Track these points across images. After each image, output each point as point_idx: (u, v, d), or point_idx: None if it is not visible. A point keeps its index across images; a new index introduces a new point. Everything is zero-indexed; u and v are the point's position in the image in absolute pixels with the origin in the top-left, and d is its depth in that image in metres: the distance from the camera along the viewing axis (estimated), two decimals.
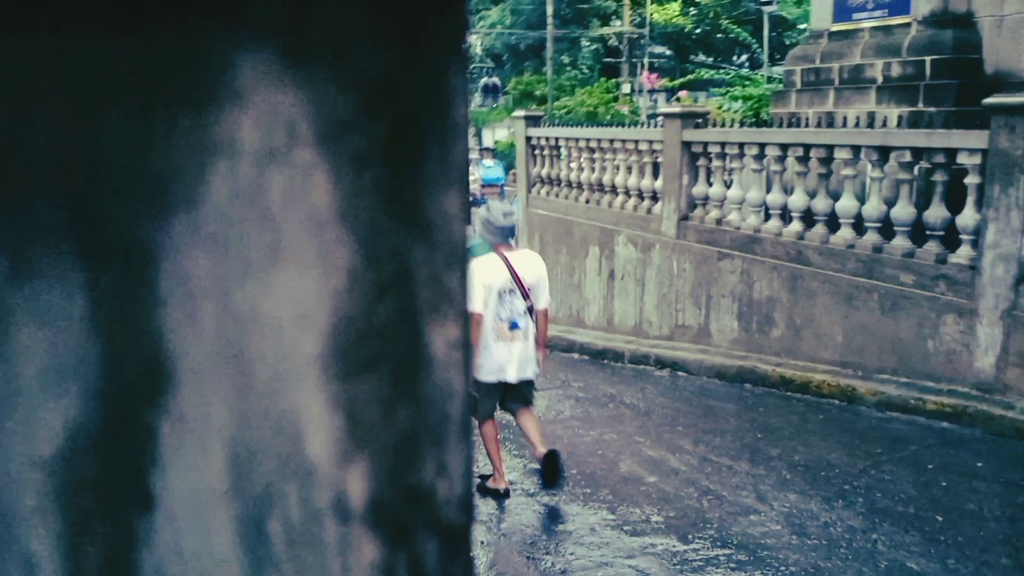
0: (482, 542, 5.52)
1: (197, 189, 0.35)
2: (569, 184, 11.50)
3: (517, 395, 5.68)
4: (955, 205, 6.78)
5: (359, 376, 0.38)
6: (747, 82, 13.73)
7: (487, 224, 5.43)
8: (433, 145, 0.39)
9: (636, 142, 9.94)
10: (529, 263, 5.57)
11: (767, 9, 24.48)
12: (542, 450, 5.63)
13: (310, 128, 0.36)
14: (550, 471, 5.67)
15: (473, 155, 32.64)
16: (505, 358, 5.45)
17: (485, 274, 5.31)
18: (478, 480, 5.84)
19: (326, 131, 0.37)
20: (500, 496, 5.84)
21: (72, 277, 0.35)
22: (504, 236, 5.46)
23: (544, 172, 12.02)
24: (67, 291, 0.35)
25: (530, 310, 5.49)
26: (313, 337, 0.38)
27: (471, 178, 26.41)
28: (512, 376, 5.51)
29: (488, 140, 40.79)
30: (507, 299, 5.39)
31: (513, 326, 5.42)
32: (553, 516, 5.78)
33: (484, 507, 5.98)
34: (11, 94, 0.33)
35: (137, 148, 0.34)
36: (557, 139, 11.77)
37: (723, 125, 9.11)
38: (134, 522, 0.37)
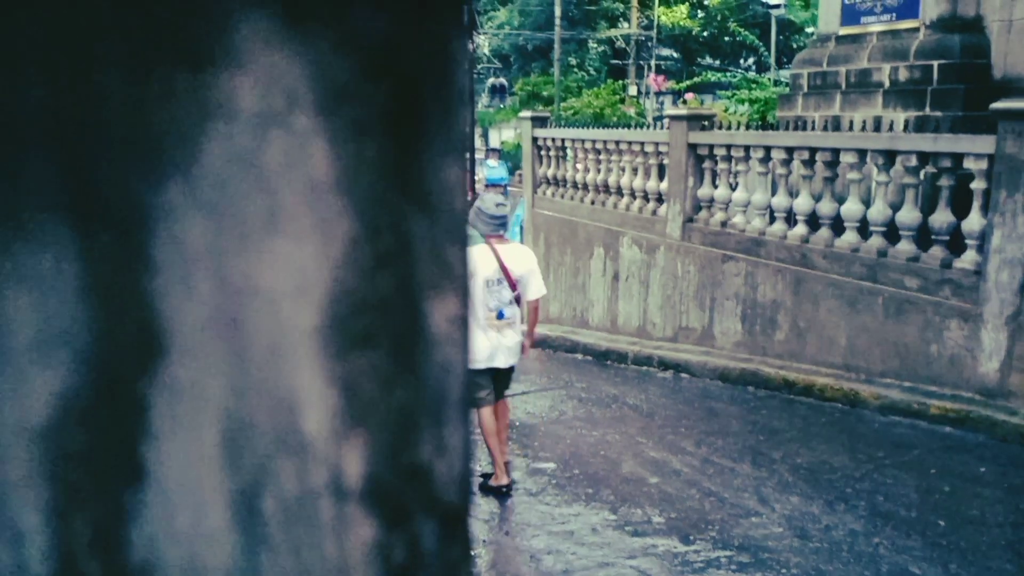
0: (484, 541, 5.51)
1: (193, 153, 0.34)
2: (575, 185, 11.49)
3: (502, 383, 5.84)
4: (961, 210, 6.76)
5: (357, 351, 0.37)
6: (754, 85, 13.71)
7: (479, 214, 5.54)
8: (435, 113, 0.38)
9: (642, 144, 9.92)
10: (518, 255, 5.72)
11: (775, 12, 24.49)
12: (504, 467, 5.86)
13: (309, 93, 0.35)
14: (503, 487, 5.86)
15: (478, 155, 32.72)
16: (493, 346, 5.59)
17: (474, 264, 5.21)
18: (480, 479, 5.96)
19: (326, 96, 0.36)
20: (502, 494, 5.89)
21: (64, 242, 0.34)
22: (495, 226, 5.55)
23: (550, 173, 12.02)
24: (58, 256, 0.34)
25: (518, 300, 5.65)
26: (310, 309, 0.37)
27: (475, 178, 26.58)
28: (500, 363, 5.67)
29: (495, 141, 40.83)
30: (495, 289, 5.55)
31: (500, 315, 5.58)
32: (555, 516, 5.77)
33: (487, 505, 5.98)
34: (2, 52, 0.32)
35: (132, 109, 0.33)
36: (563, 140, 11.76)
37: (729, 128, 9.10)
38: (124, 496, 0.36)
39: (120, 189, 0.34)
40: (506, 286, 5.57)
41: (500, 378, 5.79)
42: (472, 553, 0.43)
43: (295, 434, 0.37)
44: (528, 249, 6.23)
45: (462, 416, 0.41)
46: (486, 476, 5.97)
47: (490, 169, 27.32)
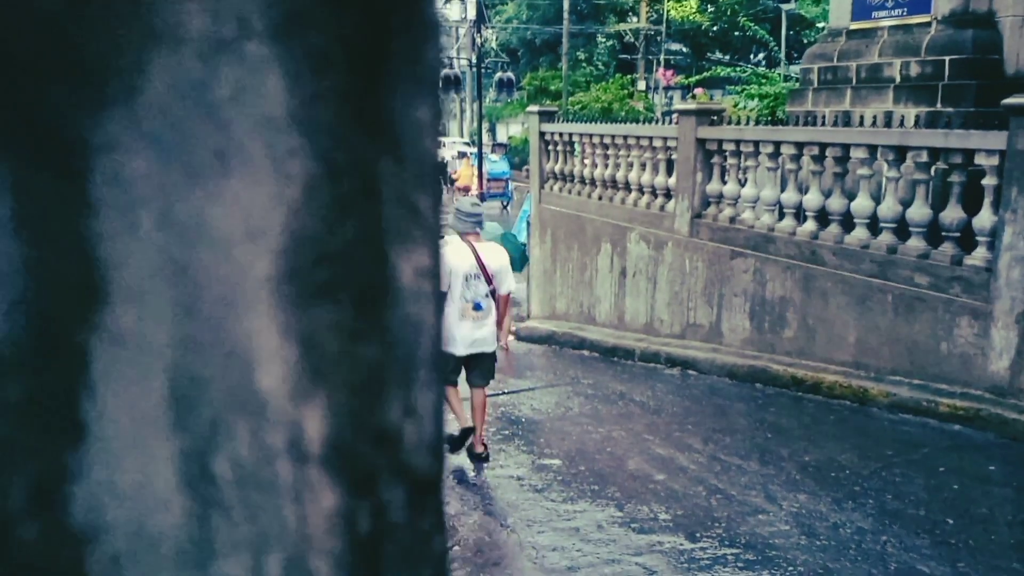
0: (487, 538, 5.49)
1: (137, 83, 0.32)
2: (582, 180, 11.44)
3: (482, 369, 6.24)
4: (972, 206, 6.71)
5: (317, 303, 0.35)
6: (763, 80, 13.62)
7: (457, 213, 6.10)
8: (403, 46, 0.35)
9: (650, 139, 9.88)
10: (493, 253, 6.23)
11: (785, 7, 24.37)
12: (466, 425, 6.29)
13: (263, 18, 0.32)
14: (458, 441, 6.31)
15: (485, 150, 32.78)
16: (468, 334, 6.04)
17: (452, 258, 5.92)
18: (455, 436, 6.38)
19: (281, 23, 0.33)
20: (463, 435, 6.31)
21: None
22: (472, 224, 6.09)
23: (557, 168, 11.97)
24: None
25: (492, 294, 6.11)
26: (266, 256, 0.34)
27: (483, 171, 27.02)
28: (475, 349, 6.11)
29: (503, 135, 40.83)
30: (472, 283, 6.00)
31: (477, 307, 6.03)
32: (560, 512, 5.74)
33: (493, 502, 5.96)
34: None
35: (70, 33, 0.31)
36: (571, 135, 11.72)
37: (738, 123, 9.05)
38: (63, 453, 0.33)
39: (57, 121, 0.31)
40: (483, 280, 6.04)
41: (479, 364, 6.20)
42: (445, 523, 0.40)
43: (250, 392, 0.34)
44: (500, 247, 6.71)
45: (433, 377, 0.38)
46: (461, 434, 6.37)
47: (491, 163, 27.58)
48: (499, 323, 6.32)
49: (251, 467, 0.35)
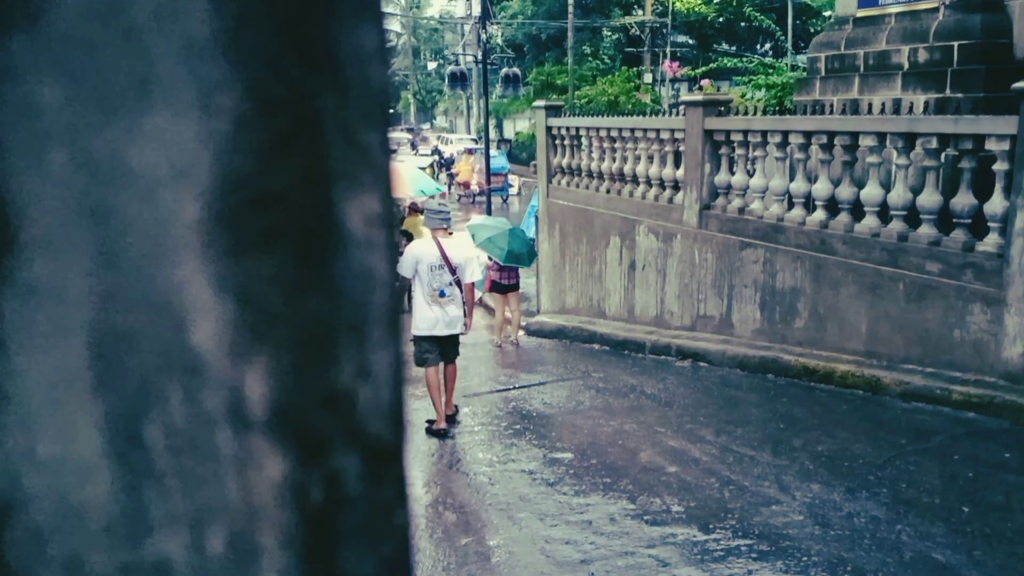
0: (499, 531, 5.47)
1: (44, 3, 0.29)
2: (590, 174, 11.40)
3: (449, 349, 7.19)
4: (983, 192, 6.64)
5: (255, 252, 0.31)
6: (770, 70, 13.53)
7: (427, 211, 7.24)
8: None
9: (658, 131, 9.82)
10: (458, 246, 7.12)
11: None
12: (443, 415, 7.12)
13: None
14: (437, 432, 7.08)
15: (473, 140, 33.04)
16: (436, 318, 6.95)
17: (420, 251, 6.94)
18: (426, 424, 7.20)
19: None
20: (442, 436, 7.08)
21: None
22: (439, 221, 7.00)
23: (564, 162, 11.93)
24: None
25: (458, 283, 6.97)
26: (195, 199, 0.31)
27: (477, 168, 27.63)
28: (442, 332, 7.02)
29: (509, 131, 40.81)
30: (437, 272, 6.89)
31: (441, 294, 6.92)
32: (572, 506, 5.72)
33: (505, 496, 5.94)
34: None
35: None
36: (578, 129, 11.67)
37: (746, 113, 8.98)
38: None
39: None
40: (447, 271, 6.91)
41: (447, 344, 7.16)
42: (408, 494, 0.37)
43: (182, 349, 0.31)
44: (468, 242, 7.86)
45: (390, 336, 0.35)
46: (431, 422, 7.15)
47: (491, 158, 28.01)
48: (467, 309, 7.21)
49: (186, 433, 0.32)
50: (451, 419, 7.27)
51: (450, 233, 7.19)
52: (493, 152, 28.62)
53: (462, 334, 7.31)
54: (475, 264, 7.27)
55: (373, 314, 0.34)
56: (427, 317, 6.91)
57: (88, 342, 0.31)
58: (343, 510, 0.35)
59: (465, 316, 7.19)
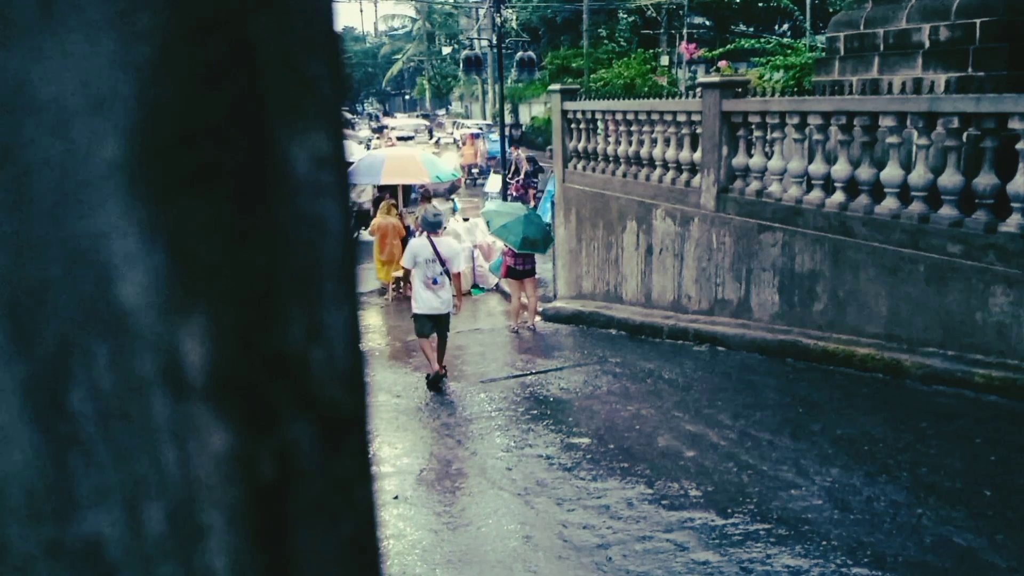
0: (516, 515, 5.45)
1: None
2: (606, 158, 11.32)
3: (442, 325, 8.76)
4: (1006, 172, 6.52)
5: (185, 194, 0.28)
6: (789, 51, 13.35)
7: (423, 219, 9.07)
8: None
9: (674, 114, 9.73)
10: (446, 244, 8.82)
11: None
12: (436, 367, 8.61)
13: None
14: (432, 383, 8.57)
15: (480, 127, 33.25)
16: (431, 300, 8.56)
17: (417, 247, 8.68)
18: (426, 378, 8.65)
19: None
20: (438, 384, 8.54)
21: None
22: (433, 226, 8.75)
23: (580, 146, 11.85)
24: None
25: (447, 273, 8.60)
26: (114, 134, 0.27)
27: (481, 149, 28.39)
28: (438, 311, 8.62)
29: (525, 116, 40.64)
30: (429, 264, 8.54)
31: (434, 281, 8.54)
32: (590, 490, 5.69)
33: (522, 480, 5.93)
34: None
35: None
36: (593, 112, 11.58)
37: (763, 94, 8.88)
38: None
39: None
40: (437, 263, 8.56)
41: (441, 321, 8.74)
42: (371, 466, 0.33)
43: (107, 306, 0.28)
44: (455, 241, 9.86)
45: (344, 291, 0.32)
46: (428, 376, 8.59)
47: (492, 143, 28.73)
48: (456, 293, 8.95)
49: (115, 398, 0.29)
50: (441, 376, 8.65)
51: (443, 231, 9.11)
52: (494, 136, 29.20)
53: (453, 314, 9.03)
54: (460, 258, 9.21)
55: (324, 267, 0.31)
56: (424, 299, 8.61)
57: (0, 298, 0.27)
58: (296, 485, 0.31)
59: (455, 298, 8.96)
